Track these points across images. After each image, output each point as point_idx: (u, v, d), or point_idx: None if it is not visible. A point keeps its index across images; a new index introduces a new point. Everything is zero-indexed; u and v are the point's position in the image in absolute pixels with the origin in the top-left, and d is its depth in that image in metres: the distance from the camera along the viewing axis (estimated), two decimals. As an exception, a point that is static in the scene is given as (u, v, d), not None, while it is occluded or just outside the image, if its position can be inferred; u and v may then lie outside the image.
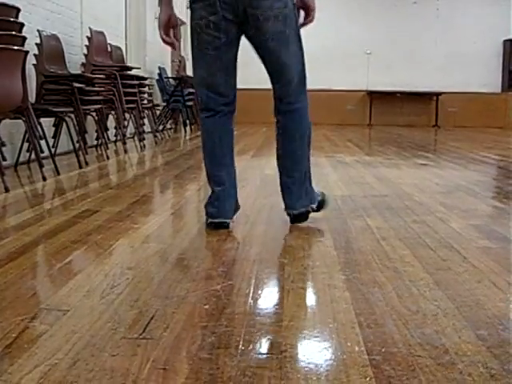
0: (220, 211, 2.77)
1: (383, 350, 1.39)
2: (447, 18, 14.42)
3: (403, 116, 13.76)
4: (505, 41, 14.62)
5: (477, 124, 13.26)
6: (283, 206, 2.84)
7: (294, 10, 2.68)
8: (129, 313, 1.62)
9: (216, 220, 2.76)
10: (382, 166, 5.40)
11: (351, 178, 4.52)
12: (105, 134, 6.29)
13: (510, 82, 14.56)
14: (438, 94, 13.63)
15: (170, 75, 10.81)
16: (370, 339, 1.45)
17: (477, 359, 1.35)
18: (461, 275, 2.03)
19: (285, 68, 2.70)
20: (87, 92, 5.44)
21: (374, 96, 13.86)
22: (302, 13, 2.77)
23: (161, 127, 9.25)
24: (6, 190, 3.64)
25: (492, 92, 14.36)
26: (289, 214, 2.83)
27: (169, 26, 2.71)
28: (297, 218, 2.82)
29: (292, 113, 2.76)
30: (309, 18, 2.76)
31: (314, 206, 2.85)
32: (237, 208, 2.85)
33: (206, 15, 2.57)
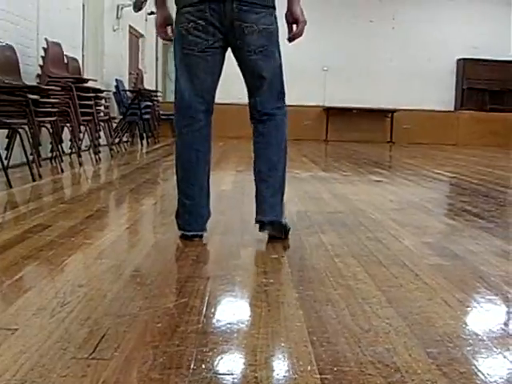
0: (192, 225, 2.77)
1: (335, 368, 1.40)
2: (402, 36, 14.71)
3: (359, 132, 13.90)
4: (458, 60, 14.97)
5: (430, 141, 13.49)
6: (254, 214, 2.80)
7: (278, 33, 2.75)
8: (79, 332, 1.59)
9: (189, 233, 2.77)
10: (337, 182, 5.45)
11: (307, 194, 4.55)
12: (59, 147, 6.21)
13: (462, 101, 14.90)
14: (392, 111, 13.84)
15: (127, 88, 10.74)
16: (321, 358, 1.46)
17: (426, 377, 1.37)
18: (412, 292, 2.05)
19: (265, 82, 2.75)
20: (42, 104, 5.35)
21: (331, 112, 14.00)
22: (294, 27, 2.83)
23: (117, 140, 9.16)
24: (-44, 203, 3.56)
25: (445, 110, 14.66)
26: (259, 222, 2.78)
27: (164, 25, 2.88)
28: (268, 226, 2.76)
29: (270, 120, 2.78)
30: (298, 31, 2.81)
31: (287, 220, 2.85)
32: (208, 216, 2.84)
33: (195, 19, 2.62)
